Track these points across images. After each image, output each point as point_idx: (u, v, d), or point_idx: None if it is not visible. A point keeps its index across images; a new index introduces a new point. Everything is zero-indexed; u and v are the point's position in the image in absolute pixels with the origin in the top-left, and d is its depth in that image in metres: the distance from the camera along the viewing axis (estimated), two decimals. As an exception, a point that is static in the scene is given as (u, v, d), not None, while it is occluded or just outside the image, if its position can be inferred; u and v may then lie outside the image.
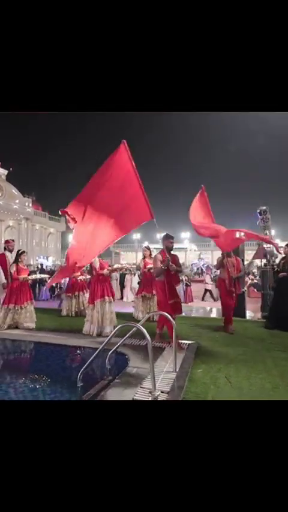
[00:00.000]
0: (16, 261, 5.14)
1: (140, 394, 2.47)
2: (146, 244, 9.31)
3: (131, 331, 3.08)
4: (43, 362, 3.84)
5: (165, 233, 4.08)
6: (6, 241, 6.38)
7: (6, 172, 27.81)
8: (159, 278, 3.95)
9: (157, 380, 2.68)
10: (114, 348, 3.13)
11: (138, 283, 7.29)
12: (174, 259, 4.00)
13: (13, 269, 5.08)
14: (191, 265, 23.17)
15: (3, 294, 6.10)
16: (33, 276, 6.05)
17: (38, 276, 6.51)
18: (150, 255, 6.04)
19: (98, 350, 2.78)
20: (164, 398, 2.39)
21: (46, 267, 17.72)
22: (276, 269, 5.98)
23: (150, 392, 2.40)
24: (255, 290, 10.98)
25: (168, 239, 4.03)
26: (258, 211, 6.78)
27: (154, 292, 5.65)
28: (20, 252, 5.24)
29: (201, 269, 21.01)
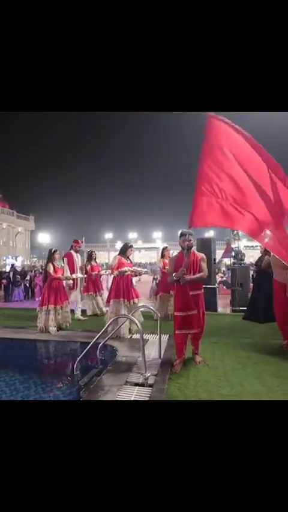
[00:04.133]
0: (50, 260, 4.94)
1: (132, 377, 2.82)
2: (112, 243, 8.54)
3: (121, 324, 3.43)
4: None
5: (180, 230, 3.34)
6: (75, 241, 6.11)
7: None
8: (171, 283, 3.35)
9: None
10: (105, 340, 3.44)
11: (157, 284, 6.88)
12: (193, 261, 3.21)
13: (51, 269, 4.87)
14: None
15: (71, 293, 5.70)
16: (75, 275, 5.55)
17: (79, 275, 5.83)
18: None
19: (92, 342, 3.11)
20: (153, 380, 2.77)
21: (17, 267, 17.25)
22: (255, 267, 6.59)
23: (141, 374, 2.77)
24: (225, 287, 11.76)
25: (181, 237, 3.25)
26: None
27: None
28: (53, 250, 5.03)
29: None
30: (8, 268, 15.61)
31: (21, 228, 35.91)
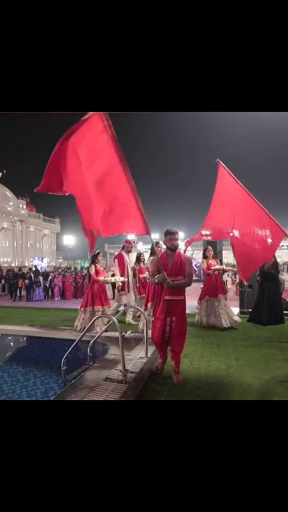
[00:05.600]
0: (93, 262, 4.95)
1: (113, 374, 2.95)
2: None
3: (107, 324, 3.57)
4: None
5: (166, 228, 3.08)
6: (127, 242, 5.91)
7: (0, 174, 28.13)
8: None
9: (130, 364, 3.18)
10: (94, 339, 3.61)
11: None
12: (177, 263, 2.94)
13: (92, 270, 4.88)
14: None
15: (122, 296, 5.52)
16: (113, 278, 5.34)
17: (119, 278, 5.43)
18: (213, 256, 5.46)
19: (77, 340, 3.28)
20: (132, 377, 2.87)
21: (41, 268, 18.10)
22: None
23: (120, 371, 2.88)
24: (240, 288, 11.46)
25: (166, 235, 3.05)
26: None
27: (220, 296, 5.24)
28: (96, 252, 4.93)
29: (194, 269, 21.70)
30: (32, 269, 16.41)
31: (48, 231, 37.41)
